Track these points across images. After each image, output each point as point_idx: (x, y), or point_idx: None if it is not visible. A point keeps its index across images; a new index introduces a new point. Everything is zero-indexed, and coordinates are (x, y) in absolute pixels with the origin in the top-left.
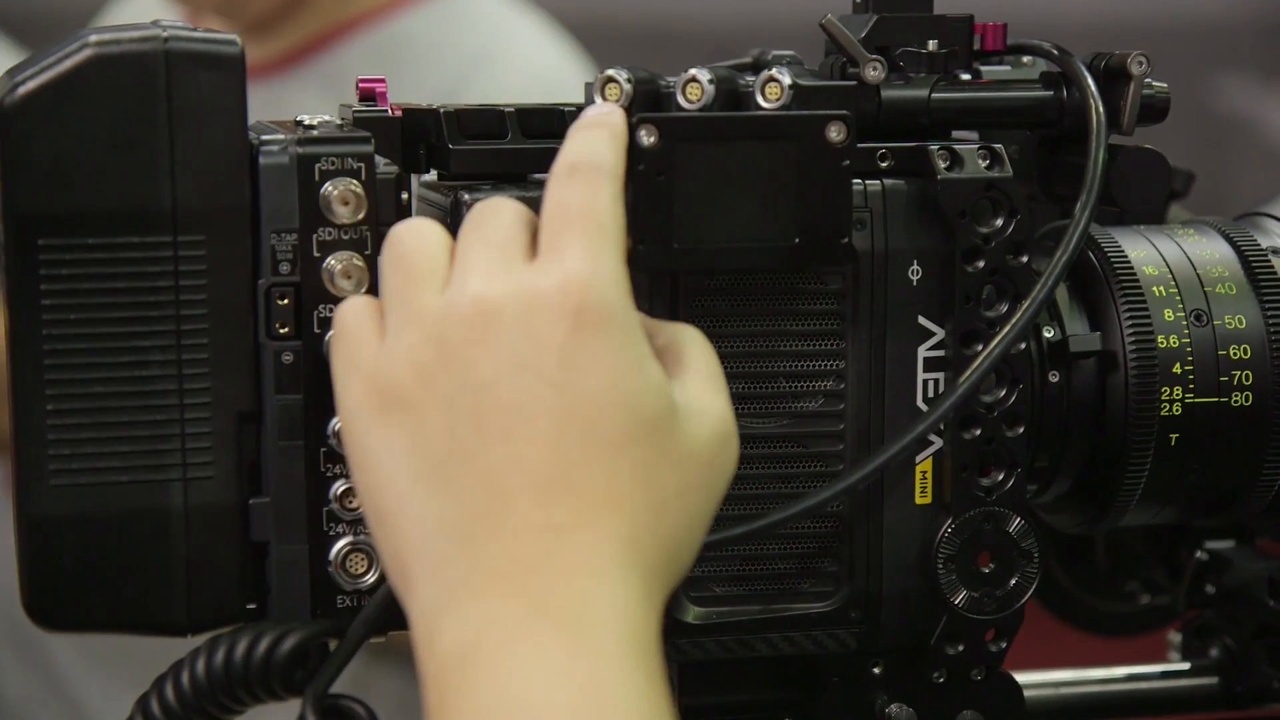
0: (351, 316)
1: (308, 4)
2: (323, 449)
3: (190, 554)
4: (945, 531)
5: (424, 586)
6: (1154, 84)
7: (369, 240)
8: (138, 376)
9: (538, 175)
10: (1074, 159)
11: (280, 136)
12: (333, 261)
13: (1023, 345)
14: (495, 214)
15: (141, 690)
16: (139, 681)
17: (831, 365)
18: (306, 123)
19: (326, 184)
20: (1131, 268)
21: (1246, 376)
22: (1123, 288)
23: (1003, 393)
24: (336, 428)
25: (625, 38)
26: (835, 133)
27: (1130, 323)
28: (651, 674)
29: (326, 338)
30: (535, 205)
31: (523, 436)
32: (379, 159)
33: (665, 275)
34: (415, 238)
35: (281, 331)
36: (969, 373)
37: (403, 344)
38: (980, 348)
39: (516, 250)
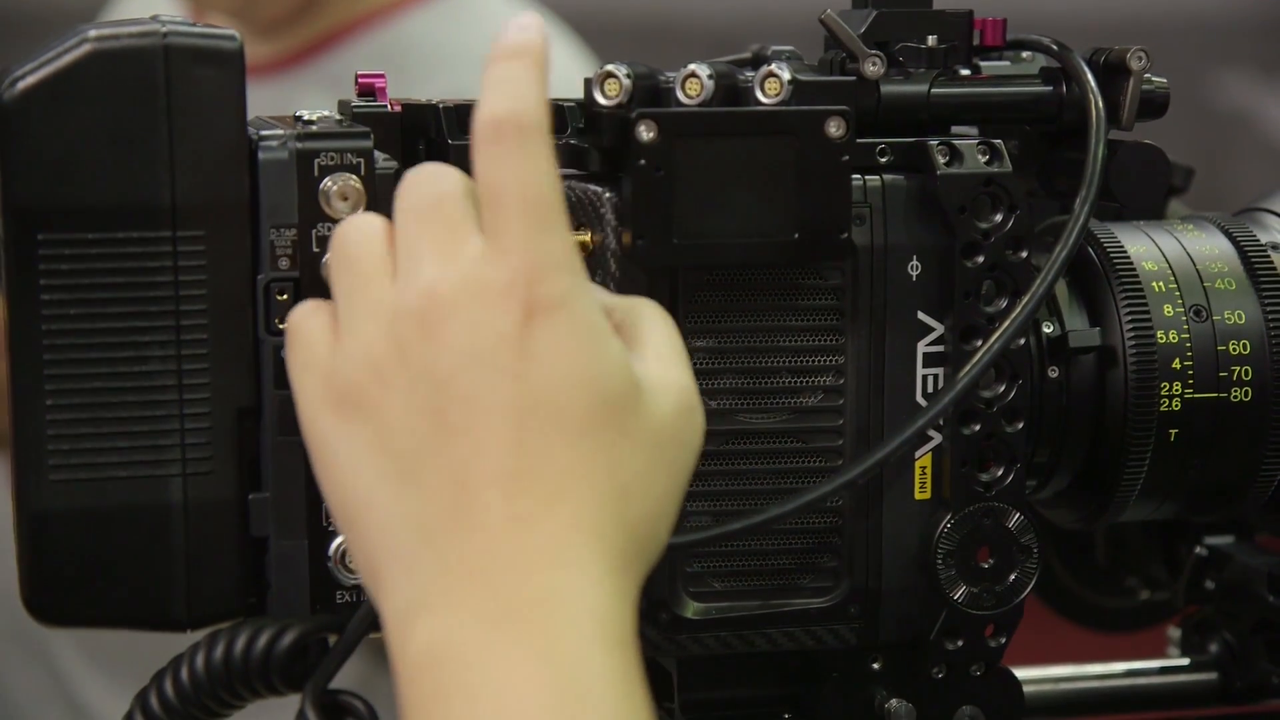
0: (303, 320)
1: (319, 6)
2: None
3: (189, 549)
4: (944, 527)
5: (394, 587)
6: (1153, 79)
7: None
8: (137, 372)
9: None
10: (1073, 154)
11: (279, 132)
12: None
13: (1022, 341)
14: (433, 193)
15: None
16: (141, 678)
17: (831, 360)
18: (305, 118)
19: (326, 179)
20: (1131, 263)
21: (1246, 372)
22: (1122, 283)
23: (1002, 388)
24: None
25: (625, 33)
26: (835, 128)
27: (1130, 318)
28: (626, 667)
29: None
30: None
31: (483, 429)
32: (378, 154)
33: (664, 270)
34: (357, 234)
35: (281, 327)
36: (968, 368)
37: (358, 342)
38: (980, 343)
39: (462, 226)
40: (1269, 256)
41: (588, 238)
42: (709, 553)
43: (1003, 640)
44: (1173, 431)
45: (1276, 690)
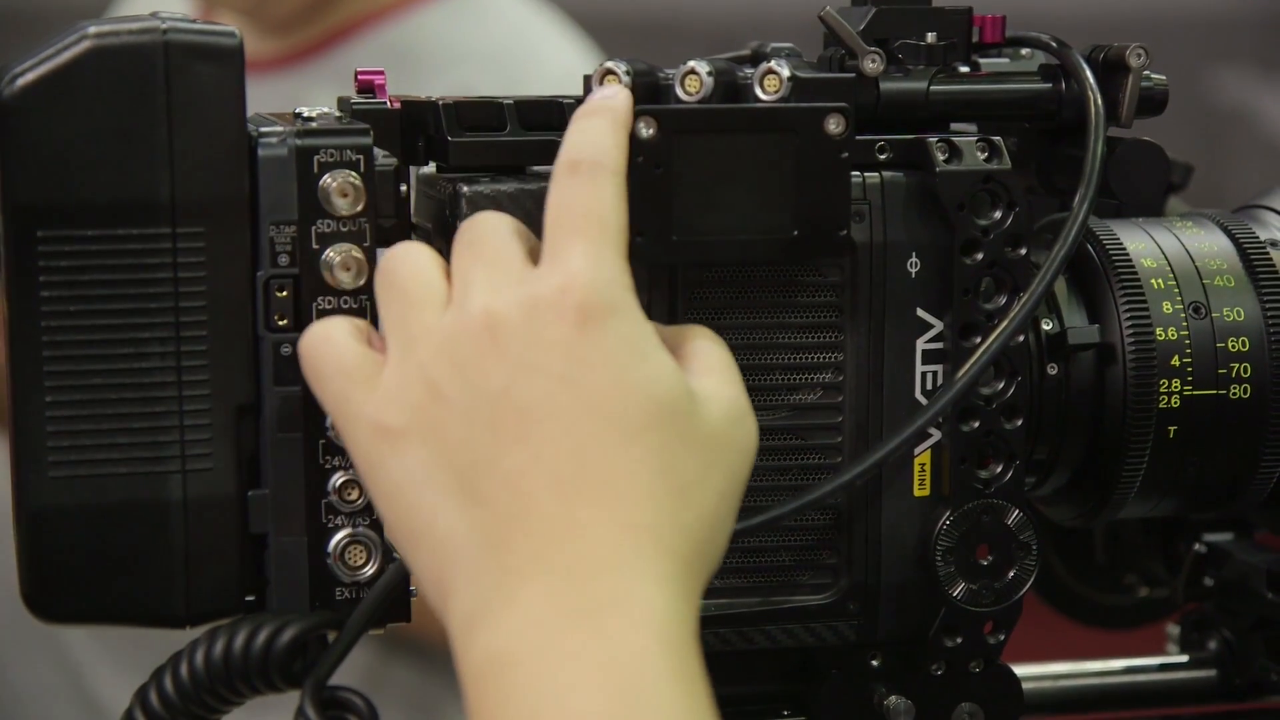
0: (335, 346)
1: (329, 4)
2: (321, 441)
3: (189, 546)
4: (944, 524)
5: (459, 598)
6: (1152, 76)
7: (368, 232)
8: (136, 368)
9: (536, 167)
10: (1072, 151)
11: (279, 128)
12: (331, 253)
13: (1021, 338)
14: (486, 230)
15: None
16: (150, 671)
17: (830, 358)
18: (305, 115)
19: (325, 176)
20: (1130, 260)
21: (1245, 369)
22: (1121, 280)
23: (1001, 385)
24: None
25: (624, 30)
26: (834, 125)
27: (1129, 315)
28: (687, 671)
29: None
30: (534, 197)
31: (539, 436)
32: (378, 151)
33: (664, 267)
34: (408, 263)
35: (280, 324)
36: (968, 365)
37: (412, 364)
38: (979, 340)
39: (514, 262)
40: (1268, 254)
41: None
42: None
43: (1001, 637)
44: (1172, 428)
45: (1275, 687)
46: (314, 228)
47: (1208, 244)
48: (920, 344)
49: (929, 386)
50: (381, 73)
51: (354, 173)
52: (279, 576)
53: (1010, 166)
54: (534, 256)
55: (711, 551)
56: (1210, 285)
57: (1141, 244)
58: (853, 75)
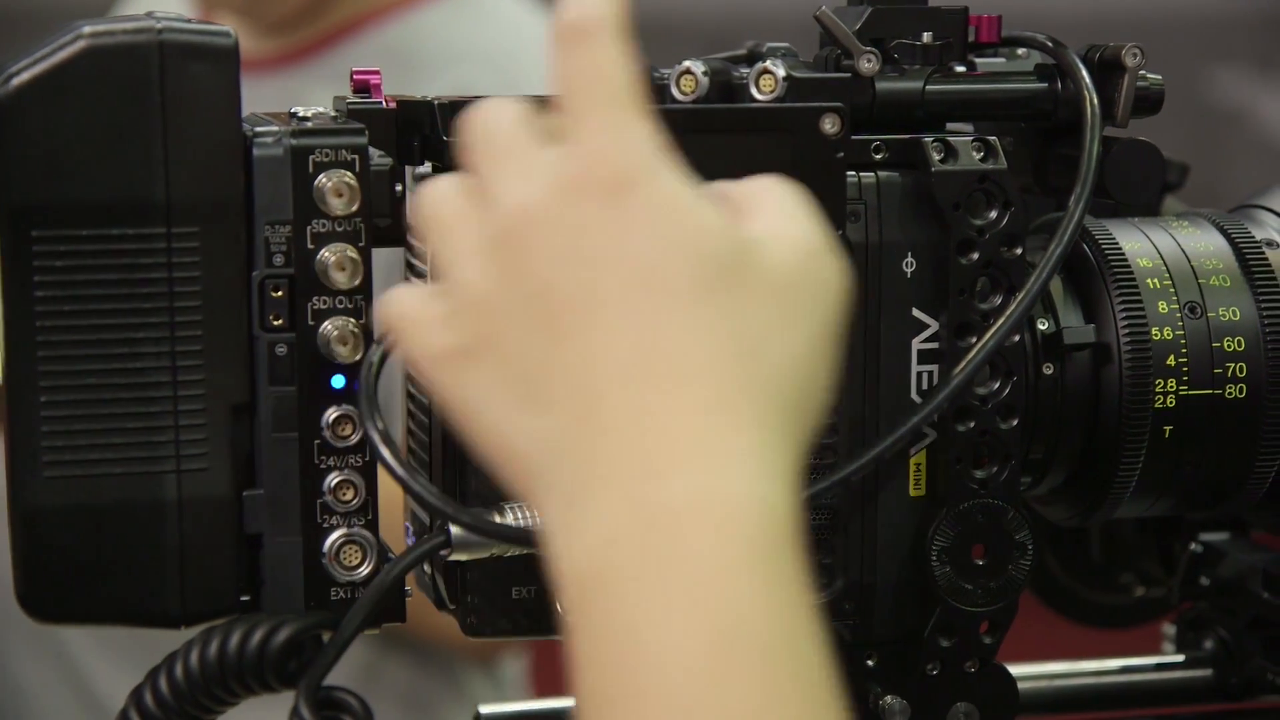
0: (397, 305)
1: (327, 4)
2: (316, 441)
3: (184, 546)
4: (939, 524)
5: (546, 511)
6: (1148, 76)
7: (363, 232)
8: (131, 368)
9: None
10: (1068, 151)
11: (274, 128)
12: (326, 253)
13: (1017, 337)
14: (492, 124)
15: None
16: (150, 666)
17: None
18: (300, 114)
19: (320, 176)
20: (1126, 260)
21: (1240, 369)
22: (1117, 280)
23: (996, 385)
24: (330, 420)
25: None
26: (829, 125)
27: (1124, 315)
28: (780, 578)
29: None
30: None
31: (593, 324)
32: (373, 151)
33: None
34: (437, 193)
35: (275, 323)
36: (963, 365)
37: (458, 287)
38: (974, 340)
39: (529, 150)
40: (1264, 253)
41: None
42: None
43: (997, 637)
44: (1167, 428)
45: (1271, 687)
46: (309, 228)
47: (1203, 244)
48: (915, 344)
49: (924, 386)
50: (377, 72)
51: (349, 173)
52: (274, 577)
53: (1006, 166)
54: (549, 135)
55: (806, 403)
56: (1206, 285)
57: (1137, 243)
58: (848, 75)
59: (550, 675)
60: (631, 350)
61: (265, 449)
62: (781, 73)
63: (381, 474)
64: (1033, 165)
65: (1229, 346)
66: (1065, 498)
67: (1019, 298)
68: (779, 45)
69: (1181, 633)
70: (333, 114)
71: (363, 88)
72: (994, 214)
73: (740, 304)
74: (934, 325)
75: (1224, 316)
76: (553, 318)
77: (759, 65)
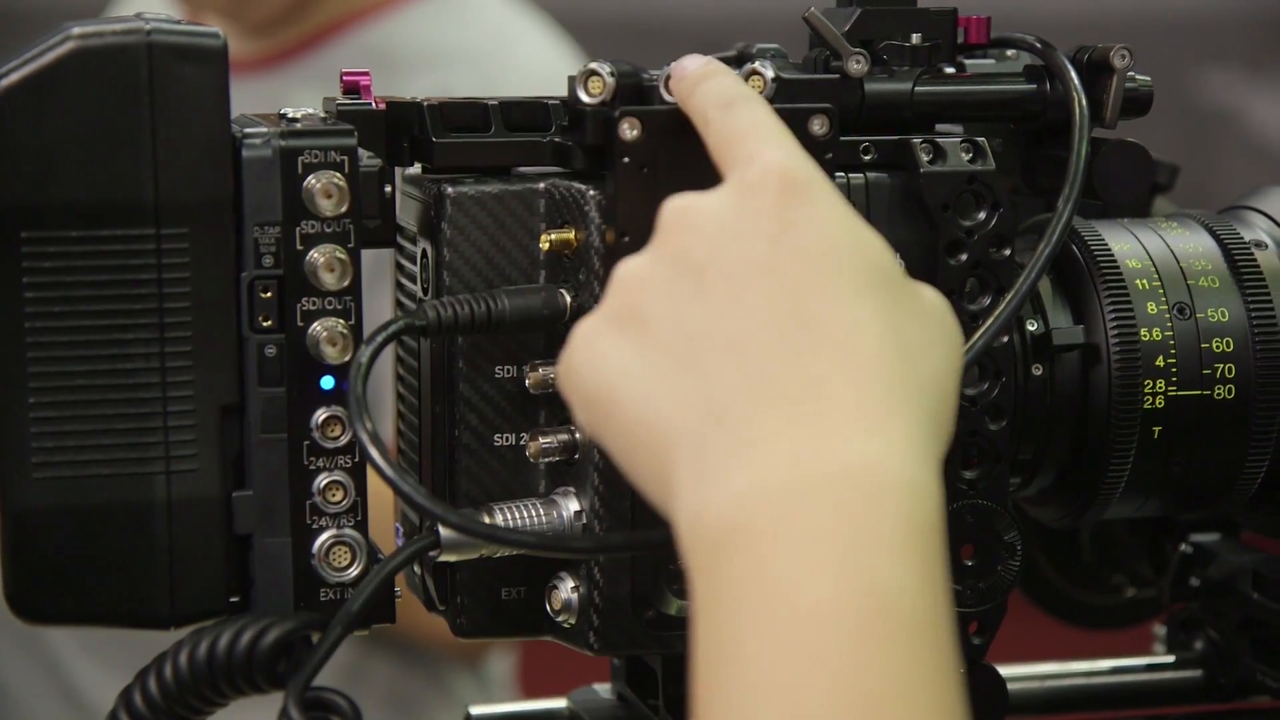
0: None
1: (309, 5)
2: (306, 442)
3: (173, 547)
4: None
5: (686, 477)
6: (1137, 77)
7: (352, 233)
8: (121, 369)
9: (522, 169)
10: (1057, 152)
11: (263, 129)
12: (316, 254)
13: (1006, 338)
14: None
15: None
16: (135, 666)
17: None
18: (290, 116)
19: (309, 177)
20: (1115, 261)
21: (1229, 369)
22: (1106, 281)
23: (985, 386)
24: (320, 420)
25: (608, 31)
26: (818, 126)
27: (1113, 316)
28: (930, 561)
29: None
30: (520, 198)
31: (755, 296)
32: (362, 152)
33: None
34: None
35: (264, 324)
36: None
37: (617, 270)
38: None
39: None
40: (1252, 254)
41: (571, 236)
42: None
43: (987, 637)
44: (1156, 429)
45: (1261, 687)
46: (298, 229)
47: (1192, 245)
48: None
49: None
50: (367, 74)
51: (338, 174)
52: (263, 577)
53: (994, 167)
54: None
55: (946, 425)
56: (1195, 286)
57: (1126, 244)
58: (837, 76)
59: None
60: (793, 322)
61: (254, 450)
62: (770, 74)
63: (371, 475)
64: (1021, 166)
65: (1218, 347)
66: (1055, 498)
67: (1008, 298)
68: (768, 46)
69: (1172, 633)
70: (322, 115)
71: (352, 89)
72: (982, 215)
73: (899, 310)
74: None
75: (1213, 317)
76: (707, 290)
77: (748, 66)
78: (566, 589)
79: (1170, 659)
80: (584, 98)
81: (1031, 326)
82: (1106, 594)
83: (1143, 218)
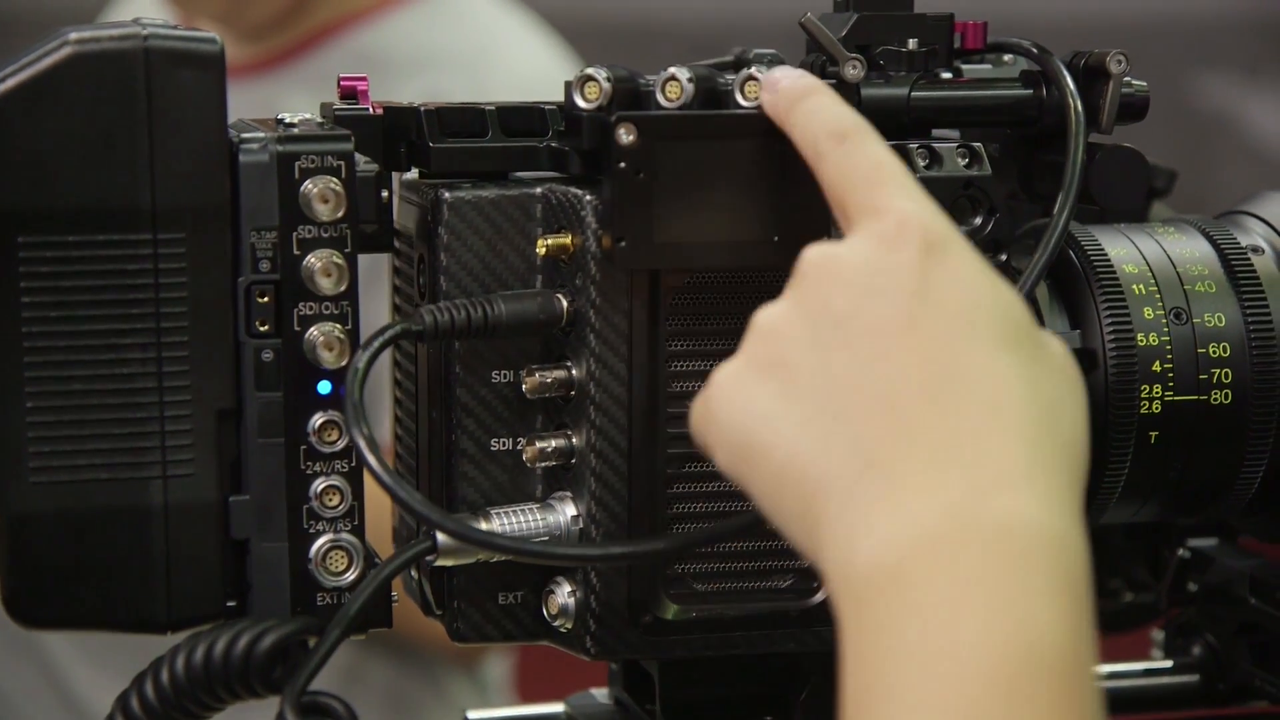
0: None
1: (304, 10)
2: (303, 446)
3: (170, 551)
4: None
5: (835, 522)
6: (1133, 82)
7: (349, 238)
8: (118, 374)
9: (519, 174)
10: (1053, 157)
11: (260, 134)
12: (312, 259)
13: None
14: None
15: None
16: (131, 671)
17: None
18: (287, 121)
19: (306, 182)
20: (1111, 266)
21: (1226, 374)
22: (1102, 286)
23: None
24: (316, 425)
25: (605, 36)
26: None
27: (1110, 321)
28: (1078, 610)
29: None
30: (517, 203)
31: (900, 349)
32: (359, 157)
33: (646, 272)
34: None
35: (261, 329)
36: None
37: (759, 317)
38: None
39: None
40: (1249, 259)
41: (568, 240)
42: (689, 554)
43: None
44: (1153, 434)
45: (1259, 692)
46: (295, 234)
47: (1189, 249)
48: None
49: None
50: (364, 79)
51: (335, 179)
52: (260, 582)
53: (991, 172)
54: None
55: (1083, 479)
56: (1191, 291)
57: (1123, 249)
58: (834, 82)
59: (535, 679)
60: (940, 375)
61: (251, 454)
62: None
63: (368, 479)
64: (1018, 171)
65: (1214, 352)
66: None
67: None
68: (765, 51)
69: (1170, 638)
70: (319, 120)
71: (350, 94)
72: (979, 220)
73: (1036, 365)
74: None
75: (1209, 322)
76: (851, 342)
77: (744, 72)
78: (563, 594)
79: (1168, 664)
80: (580, 103)
81: None
82: (1104, 599)
83: (1139, 223)
